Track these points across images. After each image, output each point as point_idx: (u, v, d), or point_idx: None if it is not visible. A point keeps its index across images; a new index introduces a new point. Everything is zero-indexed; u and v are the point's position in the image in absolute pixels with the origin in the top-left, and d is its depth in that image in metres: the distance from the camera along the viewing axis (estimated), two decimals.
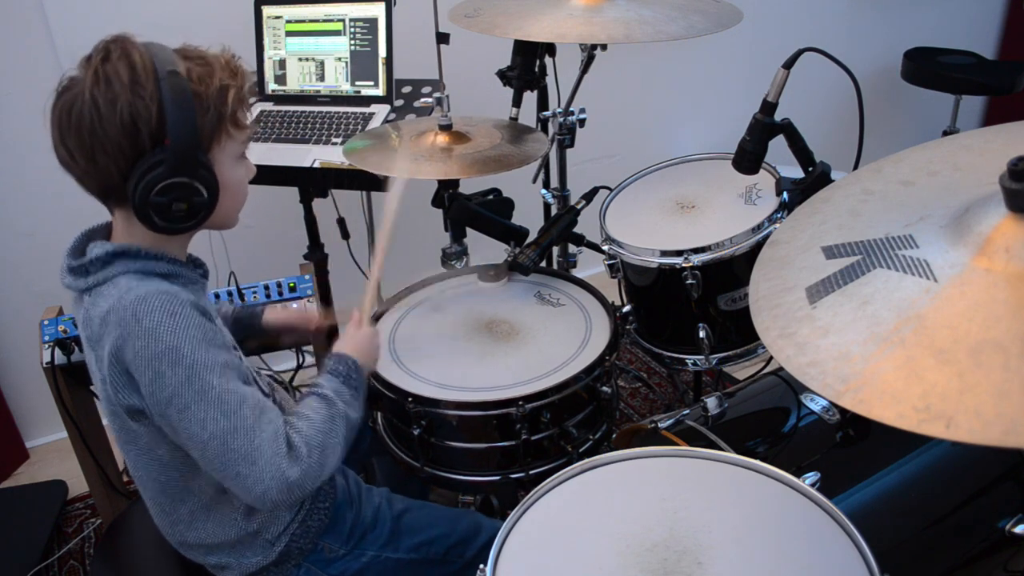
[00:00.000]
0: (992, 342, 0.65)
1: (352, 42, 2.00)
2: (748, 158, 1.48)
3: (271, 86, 2.07)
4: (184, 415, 0.99)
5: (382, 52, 1.97)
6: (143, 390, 1.00)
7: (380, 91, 1.99)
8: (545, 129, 2.02)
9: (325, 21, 2.01)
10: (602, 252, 1.65)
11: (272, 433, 1.02)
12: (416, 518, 1.34)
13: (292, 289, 1.81)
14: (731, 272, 1.54)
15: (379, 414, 1.46)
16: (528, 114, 1.93)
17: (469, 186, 1.82)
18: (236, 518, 1.16)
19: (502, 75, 1.84)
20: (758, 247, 1.50)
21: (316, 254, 2.18)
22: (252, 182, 1.14)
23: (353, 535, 1.28)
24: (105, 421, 1.88)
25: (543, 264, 1.65)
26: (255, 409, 1.02)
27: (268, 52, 2.06)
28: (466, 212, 1.71)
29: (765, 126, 1.44)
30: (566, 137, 1.95)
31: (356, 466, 1.47)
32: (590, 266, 2.62)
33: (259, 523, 1.18)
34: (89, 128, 0.97)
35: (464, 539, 1.34)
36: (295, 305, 1.77)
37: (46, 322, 1.68)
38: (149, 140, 0.98)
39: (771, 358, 1.81)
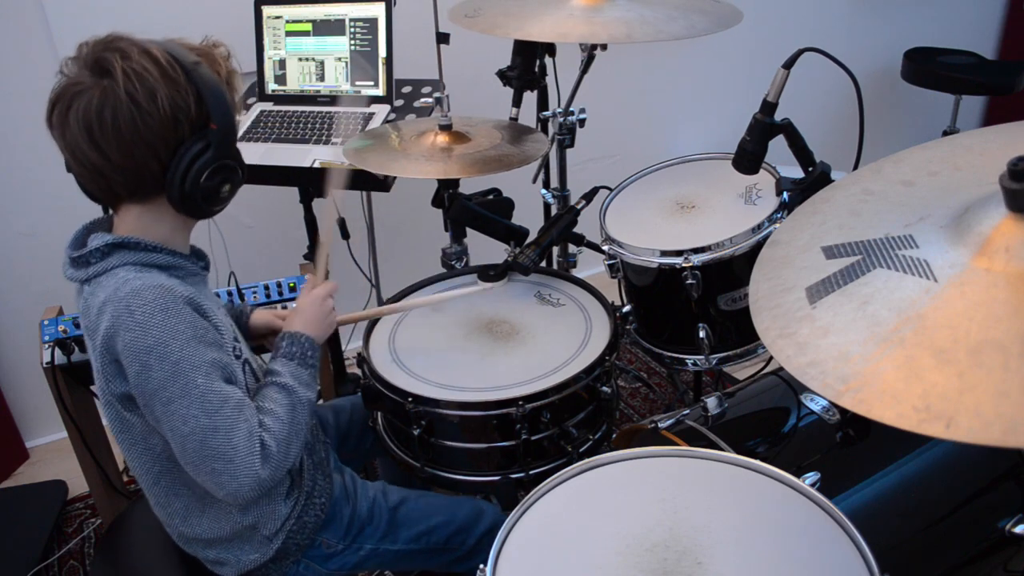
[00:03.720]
0: (992, 342, 0.65)
1: (352, 42, 2.00)
2: (748, 158, 1.48)
3: (271, 86, 2.07)
4: (168, 408, 1.02)
5: (382, 52, 1.97)
6: (130, 380, 1.03)
7: (380, 91, 1.99)
8: (545, 129, 2.02)
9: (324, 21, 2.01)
10: (602, 252, 1.65)
11: (247, 432, 1.05)
12: (413, 508, 1.34)
13: (292, 289, 1.81)
14: (731, 272, 1.54)
15: (379, 414, 1.46)
16: (528, 114, 1.93)
17: (469, 186, 1.82)
18: (231, 512, 1.17)
19: (502, 75, 1.84)
20: (758, 247, 1.49)
21: (316, 254, 2.18)
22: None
23: (351, 530, 1.29)
24: (105, 420, 1.90)
25: (543, 264, 1.65)
26: (235, 409, 1.05)
27: (268, 52, 2.06)
28: (466, 212, 1.71)
29: (765, 126, 1.44)
30: (566, 137, 1.95)
31: (357, 466, 1.47)
32: (590, 266, 2.62)
33: (254, 518, 1.19)
34: (130, 125, 0.99)
35: (465, 526, 1.34)
36: (280, 308, 1.75)
37: (46, 322, 1.68)
38: (188, 129, 1.03)
39: (771, 358, 1.81)
